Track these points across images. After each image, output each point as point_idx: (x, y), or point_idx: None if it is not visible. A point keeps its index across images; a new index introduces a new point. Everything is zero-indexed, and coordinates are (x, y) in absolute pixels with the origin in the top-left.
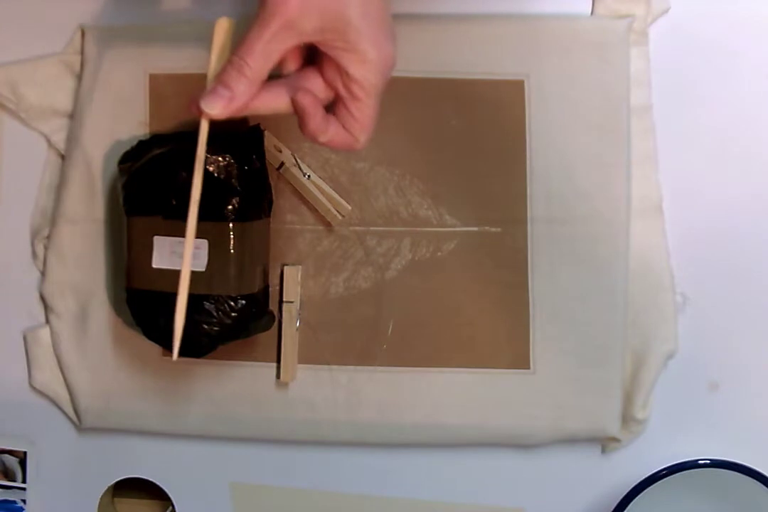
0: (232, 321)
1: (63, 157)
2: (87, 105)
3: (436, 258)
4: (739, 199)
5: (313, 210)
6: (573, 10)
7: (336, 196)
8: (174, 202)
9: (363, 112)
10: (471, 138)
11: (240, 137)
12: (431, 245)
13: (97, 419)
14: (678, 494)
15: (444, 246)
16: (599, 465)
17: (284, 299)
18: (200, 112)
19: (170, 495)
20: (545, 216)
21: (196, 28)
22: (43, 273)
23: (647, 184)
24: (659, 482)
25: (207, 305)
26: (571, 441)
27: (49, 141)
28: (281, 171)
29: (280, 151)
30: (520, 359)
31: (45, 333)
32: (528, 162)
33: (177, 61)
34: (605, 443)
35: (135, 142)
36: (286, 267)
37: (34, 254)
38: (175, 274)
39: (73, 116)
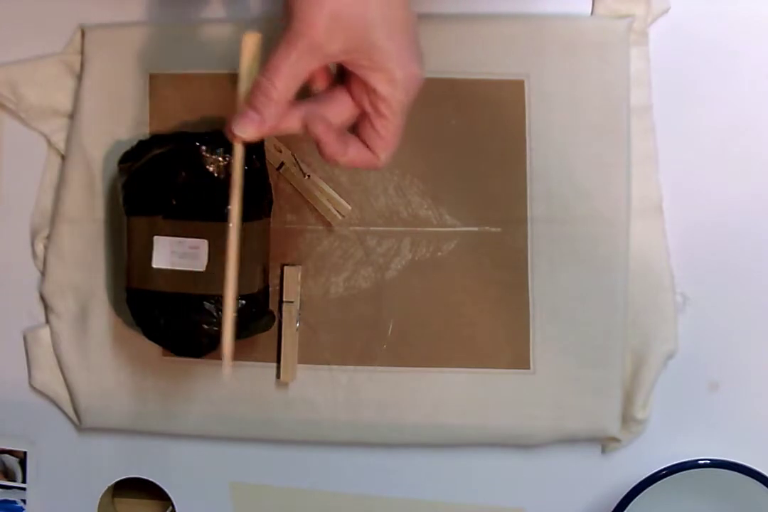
0: None
1: (63, 157)
2: (87, 105)
3: (436, 258)
4: (739, 199)
5: (313, 210)
6: (573, 10)
7: (336, 196)
8: (174, 202)
9: (387, 129)
10: (471, 138)
11: None
12: (431, 245)
13: (97, 419)
14: (678, 494)
15: (444, 246)
16: (599, 465)
17: (284, 299)
18: (234, 136)
19: (170, 495)
20: (545, 216)
21: (197, 28)
22: (43, 274)
23: (647, 184)
24: (659, 482)
25: (207, 305)
26: (571, 441)
27: (49, 141)
28: (281, 171)
29: (280, 151)
30: (520, 359)
31: (45, 333)
32: (528, 162)
33: (177, 61)
34: (605, 443)
35: (135, 142)
36: (286, 268)
37: (34, 254)
38: (175, 274)
39: (73, 116)
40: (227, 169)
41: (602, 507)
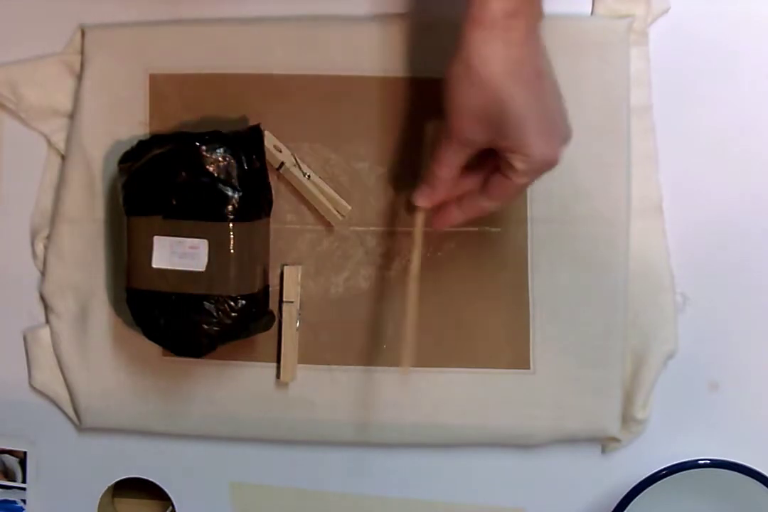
0: (232, 321)
1: (63, 157)
2: (87, 105)
3: (436, 258)
4: (739, 199)
5: (313, 210)
6: (573, 10)
7: (336, 196)
8: (174, 202)
9: (505, 190)
10: None
11: (240, 137)
12: (431, 245)
13: (97, 419)
14: (678, 494)
15: (444, 246)
16: (599, 465)
17: (284, 299)
18: (416, 206)
19: (170, 495)
20: (545, 216)
21: (197, 28)
22: (43, 274)
23: (647, 184)
24: (659, 482)
25: (207, 305)
26: (571, 441)
27: (49, 141)
28: (281, 171)
29: (280, 151)
30: (520, 359)
31: (45, 333)
32: None
33: (177, 61)
34: (605, 443)
35: (135, 142)
36: (286, 268)
37: (34, 254)
38: (175, 274)
39: (73, 116)
40: (227, 169)
41: (602, 507)
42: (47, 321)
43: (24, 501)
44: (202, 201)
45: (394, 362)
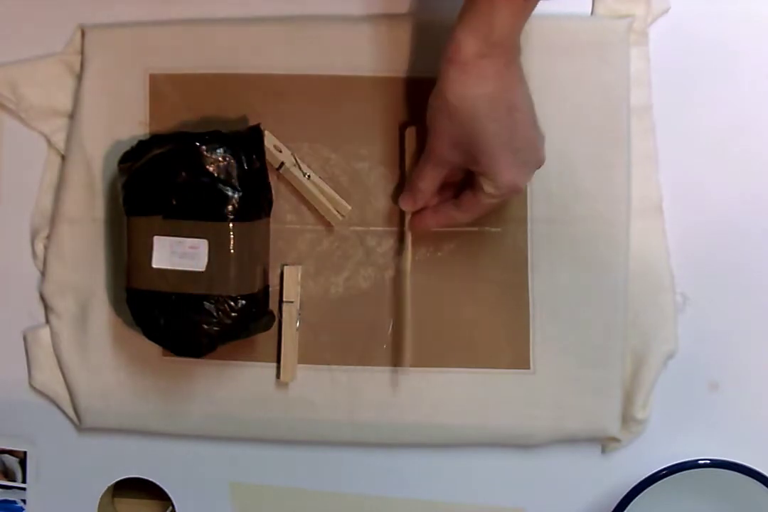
0: (232, 321)
1: (63, 157)
2: (87, 105)
3: (436, 258)
4: (739, 199)
5: (313, 210)
6: (573, 10)
7: (336, 196)
8: (174, 202)
9: (474, 206)
10: None
11: (240, 137)
12: (431, 245)
13: (97, 419)
14: (678, 494)
15: (444, 246)
16: (599, 465)
17: (284, 299)
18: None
19: (170, 495)
20: (545, 216)
21: (197, 28)
22: (43, 274)
23: (647, 184)
24: (659, 482)
25: (207, 305)
26: (571, 441)
27: (49, 141)
28: (281, 171)
29: (280, 151)
30: (520, 359)
31: (45, 333)
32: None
33: (177, 61)
34: (605, 443)
35: (135, 142)
36: (286, 268)
37: (34, 254)
38: (175, 274)
39: (73, 116)
40: (227, 169)
41: (602, 507)
42: (47, 321)
43: (24, 501)
44: (202, 201)
45: (394, 362)
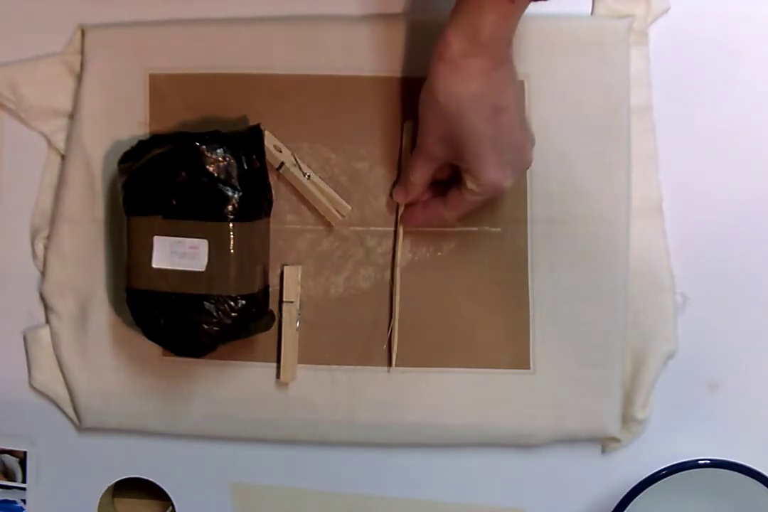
0: (232, 321)
1: (63, 157)
2: (87, 105)
3: (436, 258)
4: (739, 198)
5: (313, 210)
6: (573, 10)
7: (336, 196)
8: (174, 202)
9: (459, 202)
10: None
11: (240, 137)
12: (431, 245)
13: (97, 419)
14: (678, 494)
15: (444, 246)
16: (599, 465)
17: (284, 299)
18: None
19: (170, 495)
20: (545, 216)
21: (197, 28)
22: (43, 274)
23: (647, 184)
24: (659, 482)
25: (207, 305)
26: (571, 441)
27: (49, 141)
28: (281, 171)
29: (280, 151)
30: (520, 359)
31: (45, 333)
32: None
33: (177, 61)
34: (605, 443)
35: (135, 142)
36: (286, 268)
37: (34, 254)
38: (175, 274)
39: (73, 116)
40: (227, 169)
41: (602, 507)
42: (47, 321)
43: (24, 501)
44: (202, 201)
45: (395, 362)
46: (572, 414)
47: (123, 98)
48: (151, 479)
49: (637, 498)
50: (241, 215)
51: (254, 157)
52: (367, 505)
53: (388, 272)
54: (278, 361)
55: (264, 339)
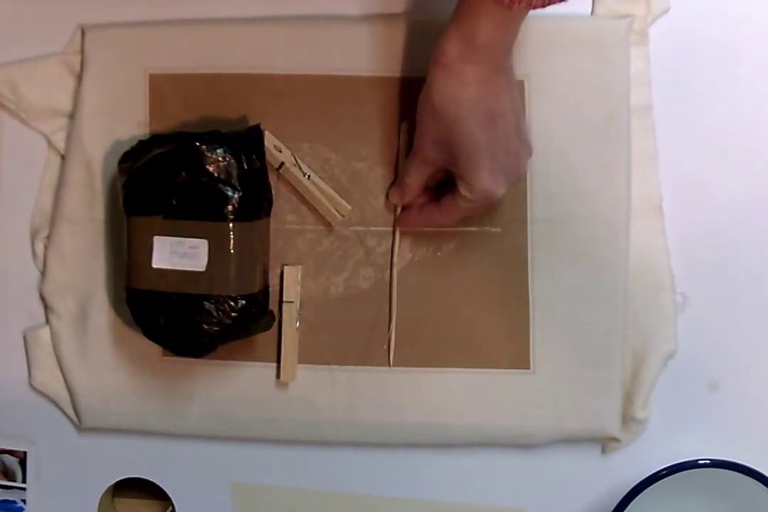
0: (232, 321)
1: (63, 156)
2: (87, 105)
3: (436, 258)
4: (739, 198)
5: (313, 210)
6: (573, 10)
7: (336, 196)
8: (174, 202)
9: (453, 209)
10: None
11: (240, 137)
12: (431, 245)
13: (97, 419)
14: (678, 494)
15: (444, 246)
16: (599, 465)
17: (284, 299)
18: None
19: (170, 495)
20: (545, 216)
21: (197, 28)
22: (43, 273)
23: (647, 184)
24: (659, 482)
25: (207, 305)
26: (571, 441)
27: (49, 141)
28: (281, 171)
29: (280, 151)
30: (520, 359)
31: (45, 333)
32: (528, 161)
33: (177, 61)
34: (605, 443)
35: (135, 142)
36: (286, 268)
37: (34, 254)
38: (175, 274)
39: (73, 116)
40: (227, 169)
41: (602, 507)
42: (47, 321)
43: (24, 501)
44: (202, 201)
45: (395, 362)
46: (572, 414)
47: (123, 98)
48: (151, 479)
49: (637, 498)
50: (241, 215)
51: (254, 157)
52: (367, 505)
53: (388, 272)
54: (278, 361)
55: (264, 339)
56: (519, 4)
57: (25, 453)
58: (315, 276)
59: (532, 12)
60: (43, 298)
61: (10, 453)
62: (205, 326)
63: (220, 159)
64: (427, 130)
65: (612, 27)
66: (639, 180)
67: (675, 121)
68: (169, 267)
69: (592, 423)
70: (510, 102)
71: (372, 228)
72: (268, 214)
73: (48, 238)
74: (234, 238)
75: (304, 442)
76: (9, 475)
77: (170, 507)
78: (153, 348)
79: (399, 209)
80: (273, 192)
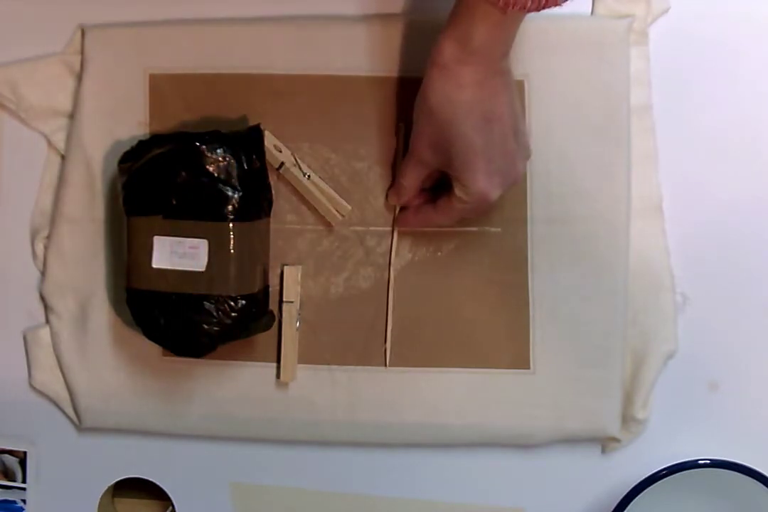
0: (232, 321)
1: (63, 156)
2: (87, 105)
3: (436, 258)
4: (739, 198)
5: (313, 210)
6: (573, 10)
7: (336, 196)
8: (174, 202)
9: (449, 210)
10: None
11: (240, 137)
12: (431, 245)
13: (97, 419)
14: (678, 494)
15: (444, 246)
16: (599, 465)
17: (284, 299)
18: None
19: (170, 495)
20: (545, 216)
21: (196, 28)
22: (43, 273)
23: (647, 184)
24: (659, 482)
25: (207, 305)
26: (571, 441)
27: (49, 141)
28: (281, 171)
29: (280, 151)
30: (520, 359)
31: (45, 333)
32: (528, 162)
33: (177, 61)
34: (605, 443)
35: (135, 142)
36: (286, 268)
37: (34, 254)
38: (175, 274)
39: (73, 116)
40: (227, 169)
41: (602, 507)
42: (47, 321)
43: (24, 501)
44: (202, 201)
45: (394, 362)
46: (572, 414)
47: (123, 98)
48: (151, 479)
49: (637, 498)
50: (241, 215)
51: (254, 157)
52: (367, 505)
53: (388, 272)
54: (278, 361)
55: (264, 339)
56: (513, 7)
57: (25, 453)
58: (315, 276)
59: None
60: (43, 298)
61: (10, 453)
62: (205, 326)
63: (220, 159)
64: (423, 132)
65: (612, 27)
66: (639, 180)
67: (675, 121)
68: (169, 267)
69: (592, 423)
70: (507, 104)
71: (372, 228)
72: (268, 214)
73: (48, 238)
74: (234, 238)
75: (304, 442)
76: (9, 475)
77: (170, 507)
78: (153, 348)
79: (398, 209)
80: (273, 192)
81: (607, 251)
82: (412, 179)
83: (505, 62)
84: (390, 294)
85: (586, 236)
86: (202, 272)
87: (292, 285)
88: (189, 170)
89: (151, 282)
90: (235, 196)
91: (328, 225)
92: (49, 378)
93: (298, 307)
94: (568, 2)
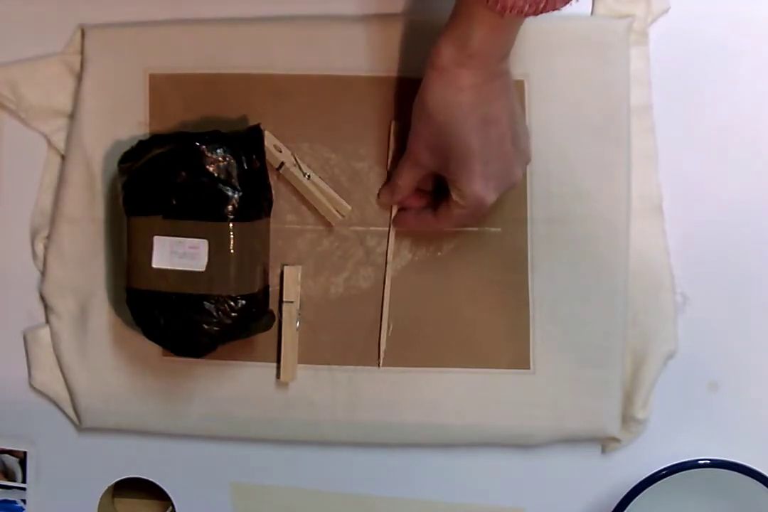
0: (232, 321)
1: (63, 157)
2: (87, 105)
3: (436, 258)
4: (739, 198)
5: (313, 210)
6: (573, 10)
7: (336, 196)
8: (174, 202)
9: (448, 216)
10: None
11: (240, 137)
12: (431, 245)
13: (97, 419)
14: (678, 494)
15: (444, 246)
16: (599, 465)
17: (284, 299)
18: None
19: (170, 495)
20: (545, 216)
21: (196, 28)
22: (43, 274)
23: (647, 184)
24: (659, 482)
25: (207, 305)
26: (571, 441)
27: (49, 141)
28: (281, 171)
29: (280, 151)
30: (520, 359)
31: (45, 333)
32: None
33: (177, 61)
34: (605, 443)
35: (135, 142)
36: (286, 268)
37: (34, 254)
38: (175, 274)
39: (73, 116)
40: (227, 169)
41: (602, 507)
42: (47, 321)
43: (24, 501)
44: (202, 201)
45: (394, 362)
46: (572, 414)
47: (123, 98)
48: (151, 479)
49: (637, 498)
50: (241, 215)
51: (254, 157)
52: (367, 505)
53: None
54: (278, 361)
55: (264, 339)
56: (510, 11)
57: (25, 453)
58: (315, 276)
59: None
60: (43, 298)
61: (10, 453)
62: (205, 326)
63: (220, 159)
64: (421, 133)
65: (612, 27)
66: (639, 180)
67: (675, 121)
68: (169, 267)
69: (592, 423)
70: (506, 107)
71: (372, 228)
72: (268, 214)
73: (48, 238)
74: (234, 238)
75: (304, 442)
76: (9, 475)
77: (170, 507)
78: (153, 348)
79: (395, 209)
80: (273, 192)
81: (607, 251)
82: (407, 180)
83: (504, 65)
84: (386, 294)
85: (586, 236)
86: (202, 272)
87: (292, 285)
88: (189, 170)
89: (151, 282)
90: (235, 196)
91: (328, 225)
92: (49, 378)
93: (298, 307)
94: (566, 6)
